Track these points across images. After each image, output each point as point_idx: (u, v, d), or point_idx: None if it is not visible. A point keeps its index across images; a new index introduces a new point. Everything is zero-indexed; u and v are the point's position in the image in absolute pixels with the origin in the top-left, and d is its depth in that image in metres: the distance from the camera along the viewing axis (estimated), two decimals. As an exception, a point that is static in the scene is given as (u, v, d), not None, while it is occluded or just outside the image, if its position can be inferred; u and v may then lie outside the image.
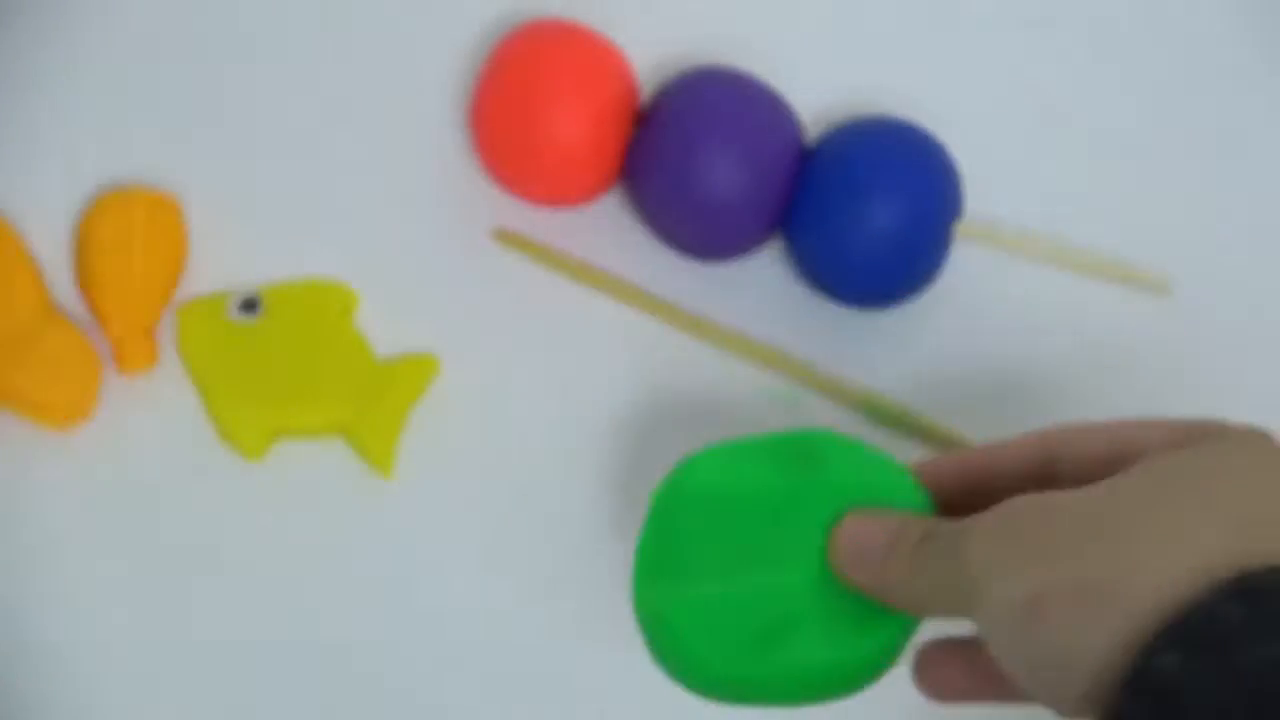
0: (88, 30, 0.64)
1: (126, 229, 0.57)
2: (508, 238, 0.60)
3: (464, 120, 0.62)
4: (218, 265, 0.59)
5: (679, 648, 0.46)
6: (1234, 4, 0.67)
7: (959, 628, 0.45)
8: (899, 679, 0.53)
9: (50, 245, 0.59)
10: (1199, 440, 0.40)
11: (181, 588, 0.54)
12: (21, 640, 0.53)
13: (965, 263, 0.59)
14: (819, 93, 0.63)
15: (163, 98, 0.63)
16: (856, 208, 0.56)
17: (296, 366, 0.56)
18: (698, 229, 0.58)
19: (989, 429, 0.57)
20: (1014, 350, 0.59)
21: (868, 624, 0.45)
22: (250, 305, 0.57)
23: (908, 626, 0.46)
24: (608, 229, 0.61)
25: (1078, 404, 0.58)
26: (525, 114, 0.57)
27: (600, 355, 0.58)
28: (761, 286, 0.60)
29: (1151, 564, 0.37)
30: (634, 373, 0.58)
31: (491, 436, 0.57)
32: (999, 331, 0.60)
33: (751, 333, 0.59)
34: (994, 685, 0.45)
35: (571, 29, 0.58)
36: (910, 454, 0.57)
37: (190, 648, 0.53)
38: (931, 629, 0.47)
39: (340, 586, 0.54)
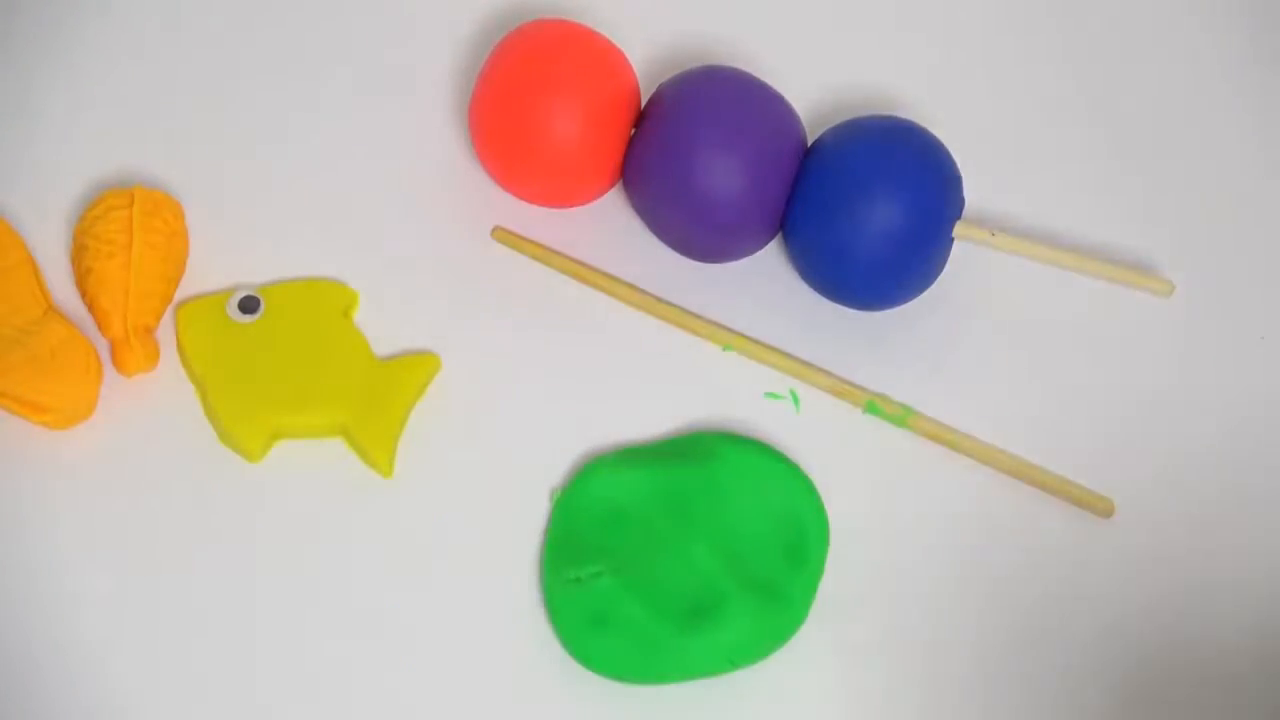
0: (88, 30, 0.64)
1: (126, 229, 0.57)
2: (507, 237, 0.60)
3: (464, 120, 0.62)
4: (218, 265, 0.59)
5: (607, 630, 0.52)
6: (1235, 4, 0.67)
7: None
8: (895, 677, 0.54)
9: (50, 245, 0.59)
10: None
11: (182, 588, 0.54)
12: (21, 640, 0.53)
13: (965, 263, 0.59)
14: (819, 93, 0.63)
15: (162, 97, 0.63)
16: (856, 208, 0.56)
17: (296, 366, 0.56)
18: (698, 229, 0.58)
19: (989, 429, 0.57)
20: (1014, 350, 0.59)
21: (779, 590, 0.52)
22: (250, 305, 0.57)
23: (813, 587, 0.53)
24: (608, 229, 0.61)
25: (1077, 404, 0.58)
26: (525, 114, 0.57)
27: (600, 355, 0.58)
28: (761, 286, 0.60)
29: None
30: (633, 372, 0.58)
31: (491, 436, 0.57)
32: (999, 331, 0.60)
33: (751, 333, 0.59)
34: None
35: (571, 29, 0.58)
36: (910, 453, 0.57)
37: (190, 647, 0.53)
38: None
39: (340, 586, 0.54)
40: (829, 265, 0.57)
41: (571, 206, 0.60)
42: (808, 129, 0.59)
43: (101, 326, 0.57)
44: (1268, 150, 0.64)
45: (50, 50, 0.63)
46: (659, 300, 0.59)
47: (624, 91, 0.58)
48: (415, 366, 0.57)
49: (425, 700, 0.52)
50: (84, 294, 0.57)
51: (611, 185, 0.60)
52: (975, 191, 0.59)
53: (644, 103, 0.59)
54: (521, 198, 0.60)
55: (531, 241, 0.60)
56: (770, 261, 0.60)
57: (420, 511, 0.55)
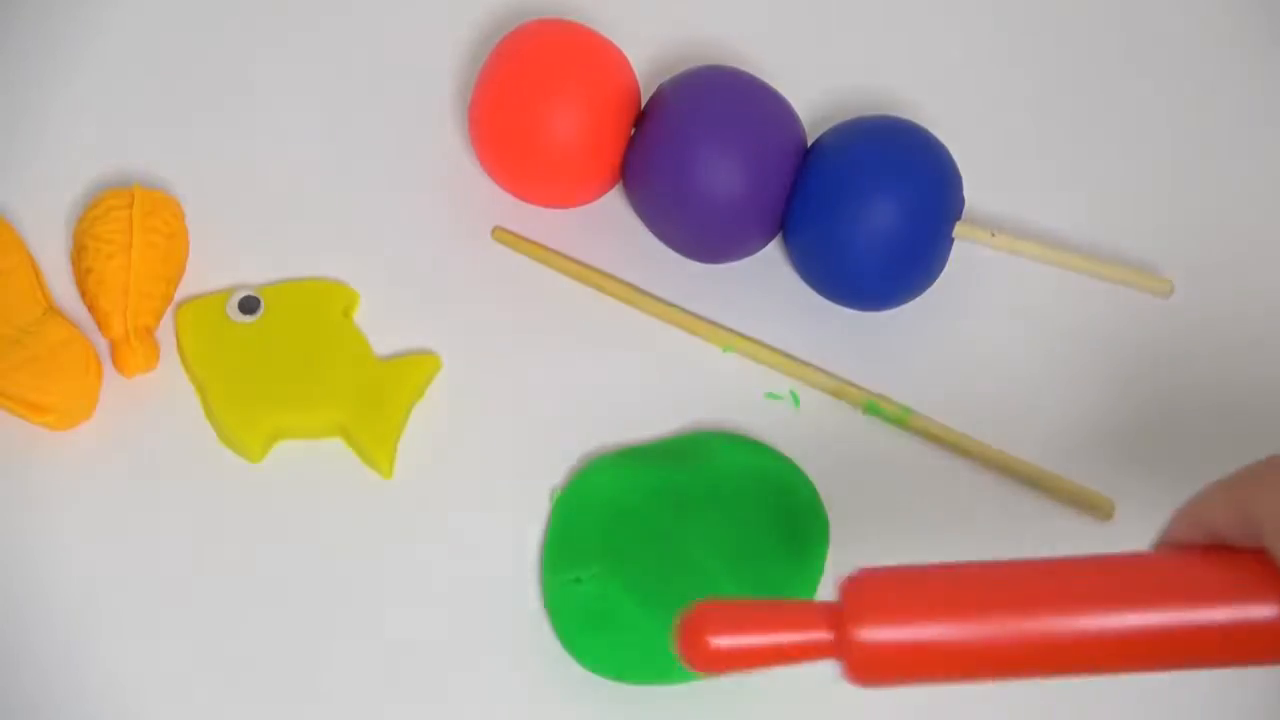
0: (88, 30, 0.64)
1: (126, 229, 0.57)
2: (507, 237, 0.60)
3: (464, 120, 0.62)
4: (218, 265, 0.59)
5: (607, 630, 0.52)
6: (1235, 4, 0.67)
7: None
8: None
9: (50, 245, 0.59)
10: None
11: (181, 588, 0.54)
12: (23, 640, 0.53)
13: (965, 263, 0.59)
14: (819, 93, 0.63)
15: (162, 97, 0.63)
16: (856, 208, 0.56)
17: (296, 366, 0.56)
18: (698, 229, 0.58)
19: (989, 429, 0.57)
20: (1014, 350, 0.59)
21: (779, 590, 0.52)
22: (250, 305, 0.57)
23: (813, 587, 0.53)
24: (608, 229, 0.61)
25: (1077, 404, 0.58)
26: (525, 114, 0.57)
27: (600, 355, 0.58)
28: (761, 286, 0.60)
29: None
30: (634, 372, 0.58)
31: (491, 436, 0.57)
32: (999, 331, 0.60)
33: (751, 333, 0.59)
34: None
35: (571, 28, 0.58)
36: (910, 453, 0.57)
37: (190, 648, 0.53)
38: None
39: (340, 586, 0.54)
40: (829, 265, 0.57)
41: (571, 206, 0.60)
42: (808, 129, 0.59)
43: (101, 327, 0.57)
44: (1268, 150, 0.64)
45: (51, 51, 0.63)
46: (659, 300, 0.59)
47: (624, 91, 0.58)
48: (415, 366, 0.57)
49: (425, 700, 0.52)
50: (84, 294, 0.57)
51: (611, 185, 0.60)
52: (975, 191, 0.59)
53: (644, 103, 0.59)
54: (521, 198, 0.60)
55: (531, 241, 0.60)
56: (770, 261, 0.60)
57: (420, 511, 0.55)
